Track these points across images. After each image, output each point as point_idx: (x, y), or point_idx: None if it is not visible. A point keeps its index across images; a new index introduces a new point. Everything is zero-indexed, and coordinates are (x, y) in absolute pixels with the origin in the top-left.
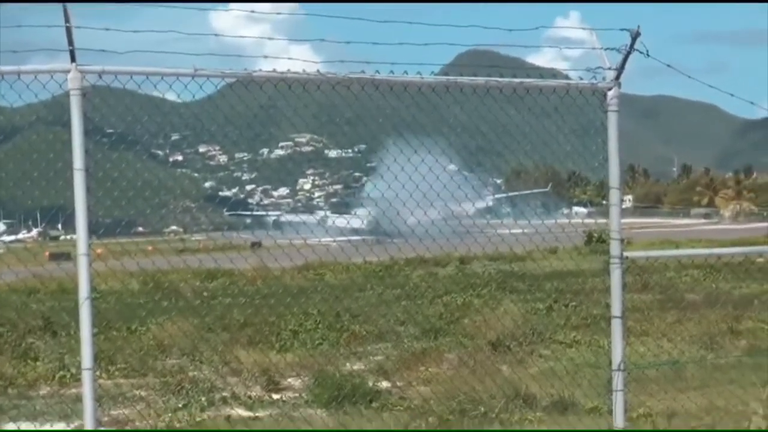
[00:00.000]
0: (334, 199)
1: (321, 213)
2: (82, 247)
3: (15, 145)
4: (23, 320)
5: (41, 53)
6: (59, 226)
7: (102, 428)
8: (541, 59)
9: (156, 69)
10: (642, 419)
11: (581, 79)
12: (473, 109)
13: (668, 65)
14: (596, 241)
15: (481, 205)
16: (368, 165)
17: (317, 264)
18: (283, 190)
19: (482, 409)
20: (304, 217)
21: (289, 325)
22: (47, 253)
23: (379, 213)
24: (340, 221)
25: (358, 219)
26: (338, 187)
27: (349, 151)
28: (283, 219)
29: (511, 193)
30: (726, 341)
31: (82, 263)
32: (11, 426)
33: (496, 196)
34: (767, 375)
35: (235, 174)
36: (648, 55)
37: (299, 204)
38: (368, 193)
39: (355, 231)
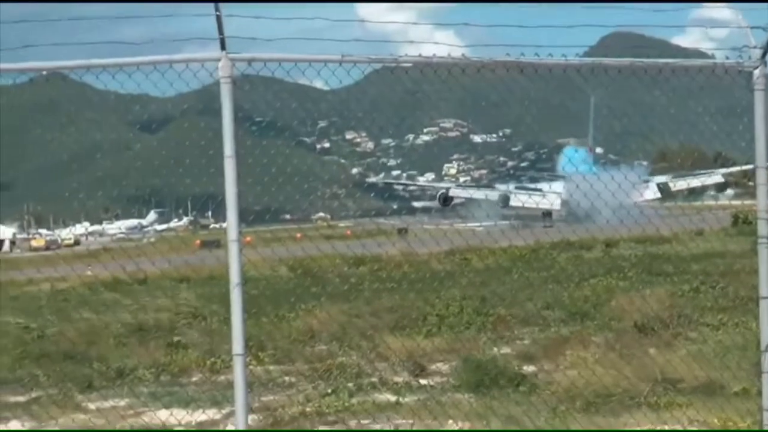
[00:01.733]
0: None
1: (503, 187)
2: (232, 233)
3: (167, 133)
4: (175, 307)
5: (192, 43)
6: (209, 214)
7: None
8: (685, 40)
9: (304, 56)
10: None
11: (727, 58)
12: (618, 90)
13: None
14: (743, 222)
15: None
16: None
17: (464, 248)
18: (429, 176)
19: (629, 393)
20: (486, 191)
21: (436, 310)
22: (198, 241)
23: (572, 195)
24: (529, 200)
25: (548, 199)
26: (483, 171)
27: (494, 135)
28: (457, 194)
29: (685, 178)
30: None
31: (233, 249)
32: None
33: (663, 180)
34: None
35: (381, 160)
36: None
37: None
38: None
39: (547, 214)
